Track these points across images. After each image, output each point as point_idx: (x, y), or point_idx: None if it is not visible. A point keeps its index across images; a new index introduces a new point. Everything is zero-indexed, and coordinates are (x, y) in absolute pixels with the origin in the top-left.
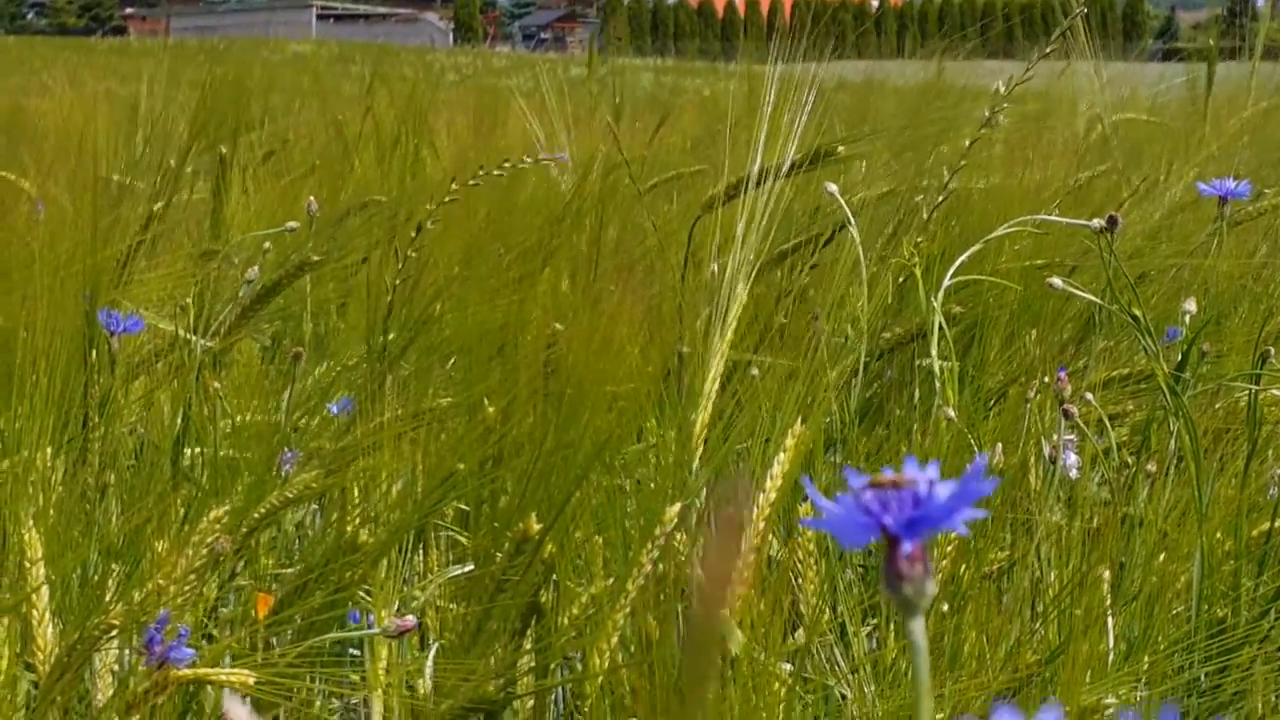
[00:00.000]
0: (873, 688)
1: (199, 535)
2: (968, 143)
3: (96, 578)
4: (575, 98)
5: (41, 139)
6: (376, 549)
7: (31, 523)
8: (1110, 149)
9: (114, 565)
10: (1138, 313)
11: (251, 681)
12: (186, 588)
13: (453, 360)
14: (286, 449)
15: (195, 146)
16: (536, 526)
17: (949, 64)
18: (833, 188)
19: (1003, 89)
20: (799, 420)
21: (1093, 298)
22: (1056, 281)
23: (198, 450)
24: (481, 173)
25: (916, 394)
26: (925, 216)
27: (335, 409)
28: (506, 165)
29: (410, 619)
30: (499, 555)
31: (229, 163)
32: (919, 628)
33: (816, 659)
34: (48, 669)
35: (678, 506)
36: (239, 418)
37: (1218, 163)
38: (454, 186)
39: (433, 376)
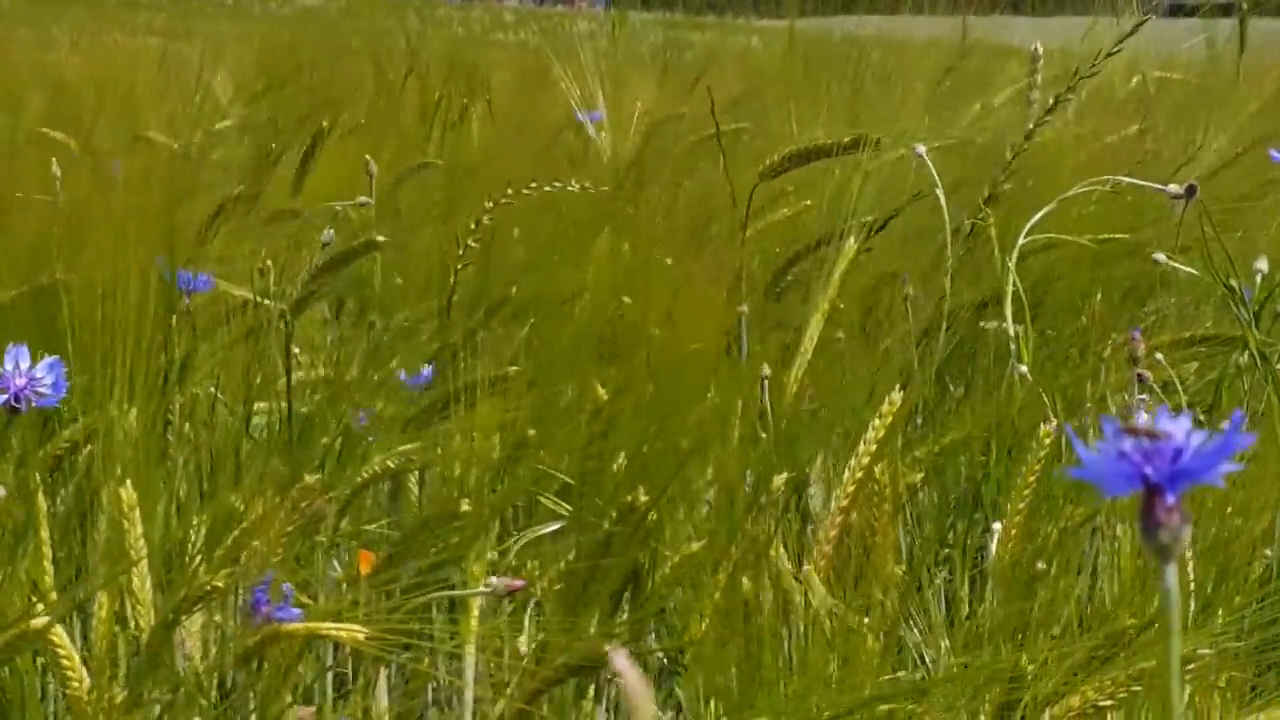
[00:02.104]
0: (947, 642)
1: (293, 498)
2: (1034, 113)
3: (187, 537)
4: (594, 54)
5: (79, 96)
6: (480, 515)
7: (129, 481)
8: (1150, 107)
9: (200, 524)
10: (1234, 283)
11: (362, 637)
12: (280, 549)
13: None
14: (359, 410)
15: (237, 105)
16: (644, 498)
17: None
18: (921, 149)
19: (1039, 49)
20: (897, 389)
21: (1193, 271)
22: (1160, 257)
23: (269, 408)
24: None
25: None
26: (984, 196)
27: (408, 379)
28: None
29: (519, 580)
30: (605, 523)
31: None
32: (1173, 574)
33: (892, 612)
34: (149, 627)
35: (784, 476)
36: (309, 374)
37: (1259, 120)
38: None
39: (511, 345)
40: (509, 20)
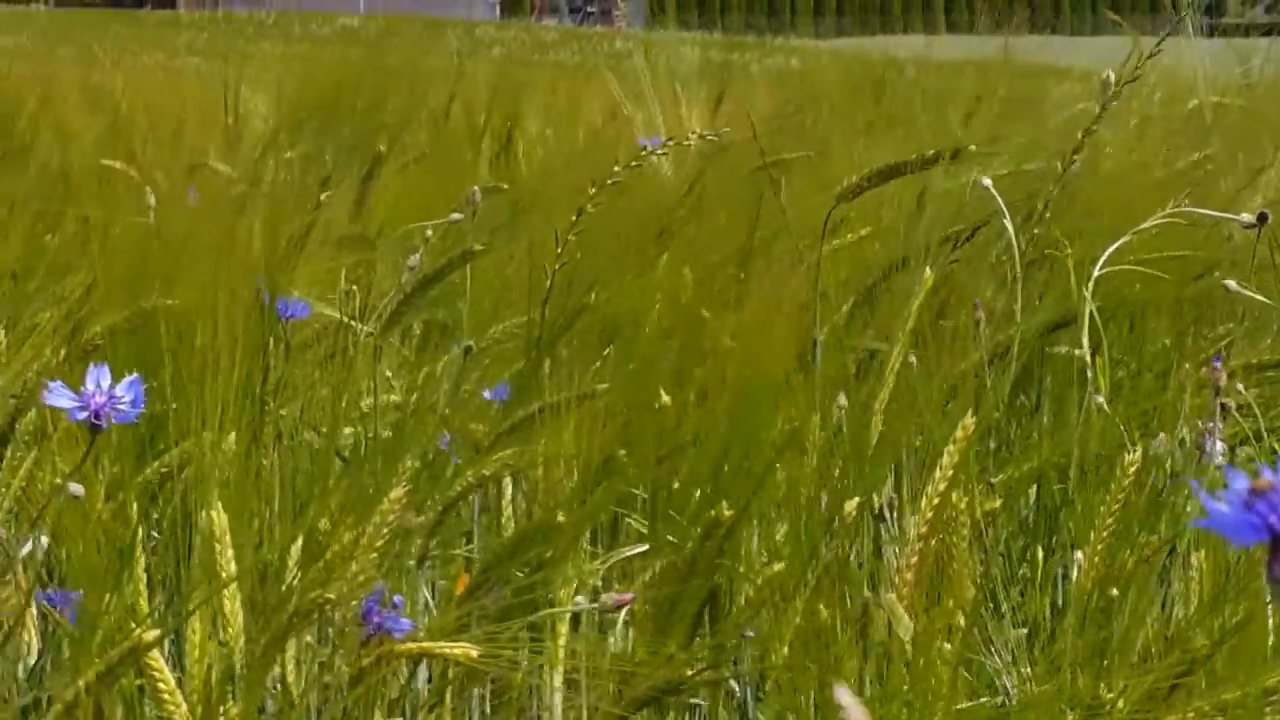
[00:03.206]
0: (1027, 669)
1: (380, 514)
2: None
3: (280, 558)
4: (629, 74)
5: (131, 122)
6: (572, 529)
7: (219, 504)
8: (1208, 132)
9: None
10: None
11: (475, 654)
12: (369, 565)
13: (607, 350)
14: (445, 431)
15: (285, 136)
16: (728, 513)
17: (997, 39)
18: (987, 181)
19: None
20: (969, 412)
21: (1269, 301)
22: (1232, 284)
23: (359, 431)
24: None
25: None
26: (1041, 209)
27: (490, 394)
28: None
29: (627, 594)
30: (690, 541)
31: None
32: None
33: (973, 640)
34: (240, 648)
35: (855, 501)
36: (387, 398)
37: None
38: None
39: (588, 362)
40: (549, 40)
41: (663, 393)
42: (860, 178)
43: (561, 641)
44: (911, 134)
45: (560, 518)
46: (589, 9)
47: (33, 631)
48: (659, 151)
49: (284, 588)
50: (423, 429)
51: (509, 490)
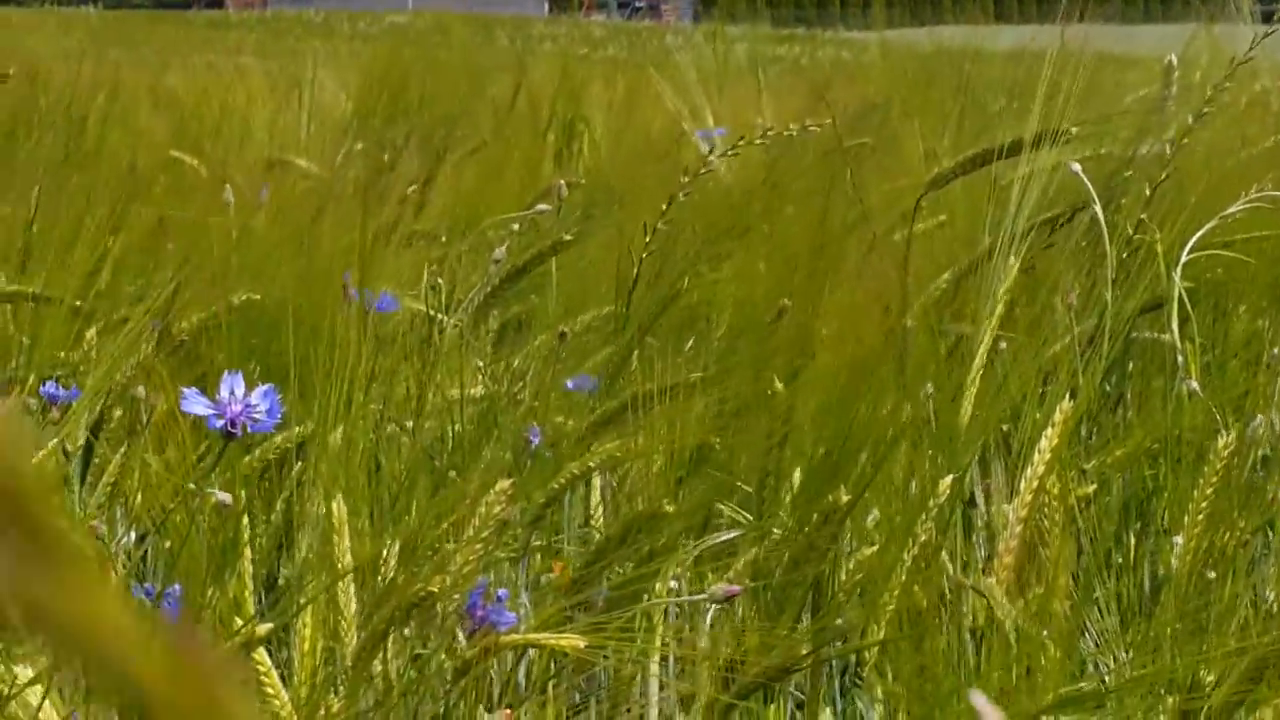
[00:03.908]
0: (1124, 653)
1: (486, 506)
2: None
3: (382, 551)
4: (696, 70)
5: (196, 118)
6: (679, 519)
7: (340, 496)
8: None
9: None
10: None
11: (582, 645)
12: (472, 559)
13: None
14: (533, 424)
15: (353, 130)
16: (846, 498)
17: (1046, 28)
18: (1076, 166)
19: (1174, 60)
20: (1067, 396)
21: None
22: None
23: (448, 423)
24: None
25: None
26: (1149, 192)
27: (573, 384)
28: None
29: (735, 586)
30: (805, 527)
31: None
32: None
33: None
34: (353, 638)
35: (949, 478)
36: (472, 391)
37: None
38: (712, 158)
39: (673, 352)
40: (598, 35)
41: (776, 380)
42: (952, 164)
43: (659, 631)
44: (979, 122)
45: (668, 507)
46: (637, 4)
47: None
48: (746, 142)
49: (385, 581)
50: (512, 421)
51: (597, 482)
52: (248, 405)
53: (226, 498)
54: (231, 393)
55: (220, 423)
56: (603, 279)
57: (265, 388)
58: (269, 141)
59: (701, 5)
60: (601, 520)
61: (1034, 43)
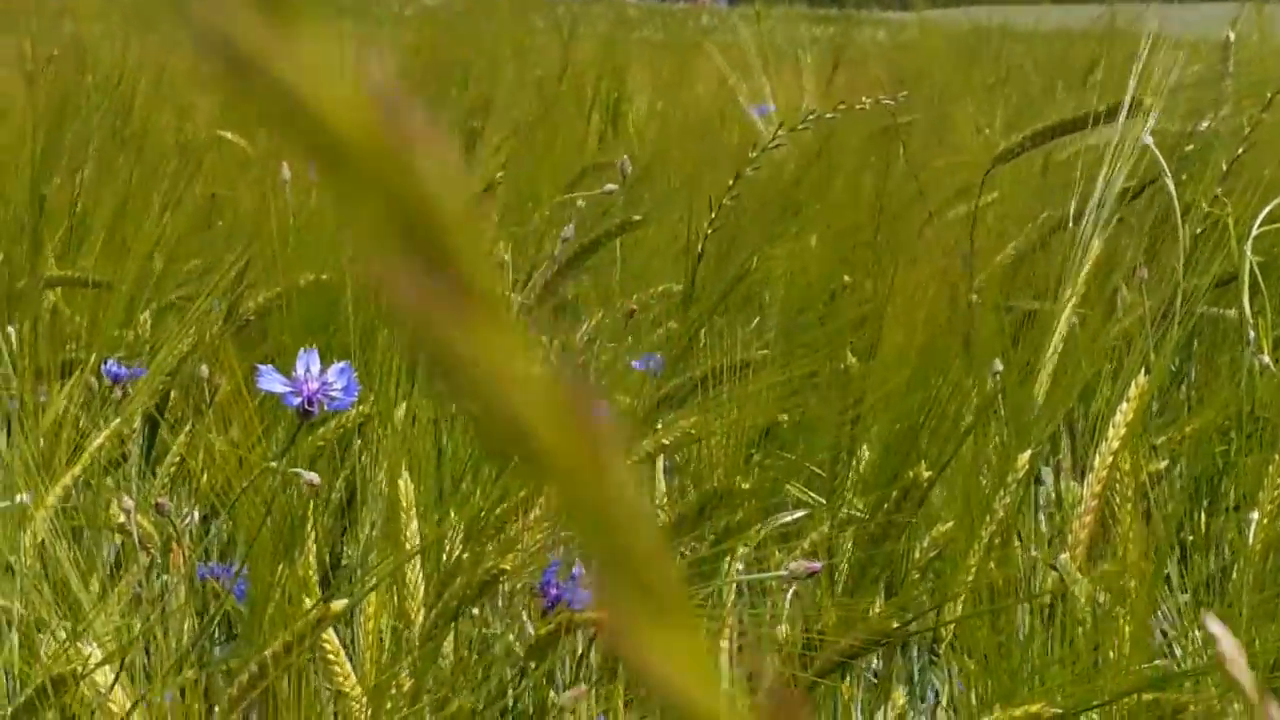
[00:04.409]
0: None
1: None
2: None
3: (447, 529)
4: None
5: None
6: (761, 492)
7: (406, 473)
8: None
9: (474, 514)
10: None
11: None
12: (542, 536)
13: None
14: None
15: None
16: (927, 474)
17: (1088, 8)
18: (1148, 138)
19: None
20: (1142, 372)
21: None
22: None
23: None
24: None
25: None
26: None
27: (638, 364)
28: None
29: (816, 563)
30: (885, 504)
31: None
32: None
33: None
34: (420, 617)
35: (1028, 454)
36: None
37: None
38: (781, 132)
39: (735, 330)
40: (633, 16)
41: (849, 355)
42: (1018, 140)
43: (729, 608)
44: (1029, 101)
45: (744, 485)
46: None
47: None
48: (808, 122)
49: (450, 560)
50: None
51: (659, 462)
52: (324, 383)
53: (314, 478)
54: (307, 370)
55: (297, 401)
56: (658, 257)
57: (341, 365)
58: None
59: None
60: (664, 499)
61: (1076, 23)
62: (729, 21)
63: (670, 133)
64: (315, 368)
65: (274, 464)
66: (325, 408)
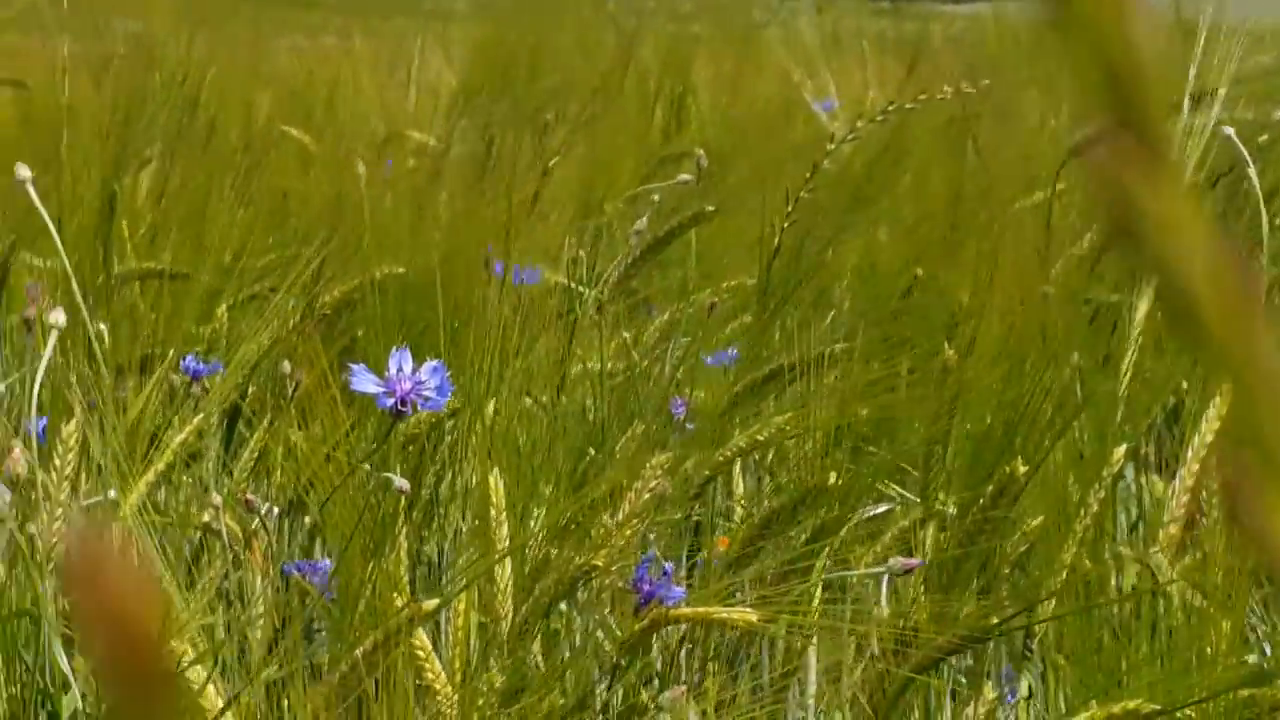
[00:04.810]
0: None
1: (642, 479)
2: None
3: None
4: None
5: (302, 97)
6: (848, 492)
7: (497, 470)
8: None
9: (546, 510)
10: None
11: (755, 619)
12: (632, 533)
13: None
14: (676, 396)
15: (464, 105)
16: (1023, 469)
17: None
18: (1229, 130)
19: None
20: None
21: None
22: None
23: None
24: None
25: None
26: None
27: (712, 359)
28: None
29: (916, 559)
30: (982, 499)
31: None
32: None
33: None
34: (509, 613)
35: (1122, 448)
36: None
37: None
38: (860, 124)
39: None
40: (684, 11)
41: (947, 346)
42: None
43: (817, 603)
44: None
45: (833, 479)
46: None
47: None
48: (880, 117)
49: (536, 556)
50: (656, 394)
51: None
52: (417, 383)
53: (404, 484)
54: (400, 370)
55: (390, 401)
56: (730, 250)
57: (434, 364)
58: (380, 117)
59: None
60: (742, 493)
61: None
62: (779, 15)
63: (735, 127)
64: (408, 367)
65: (366, 466)
66: (418, 408)
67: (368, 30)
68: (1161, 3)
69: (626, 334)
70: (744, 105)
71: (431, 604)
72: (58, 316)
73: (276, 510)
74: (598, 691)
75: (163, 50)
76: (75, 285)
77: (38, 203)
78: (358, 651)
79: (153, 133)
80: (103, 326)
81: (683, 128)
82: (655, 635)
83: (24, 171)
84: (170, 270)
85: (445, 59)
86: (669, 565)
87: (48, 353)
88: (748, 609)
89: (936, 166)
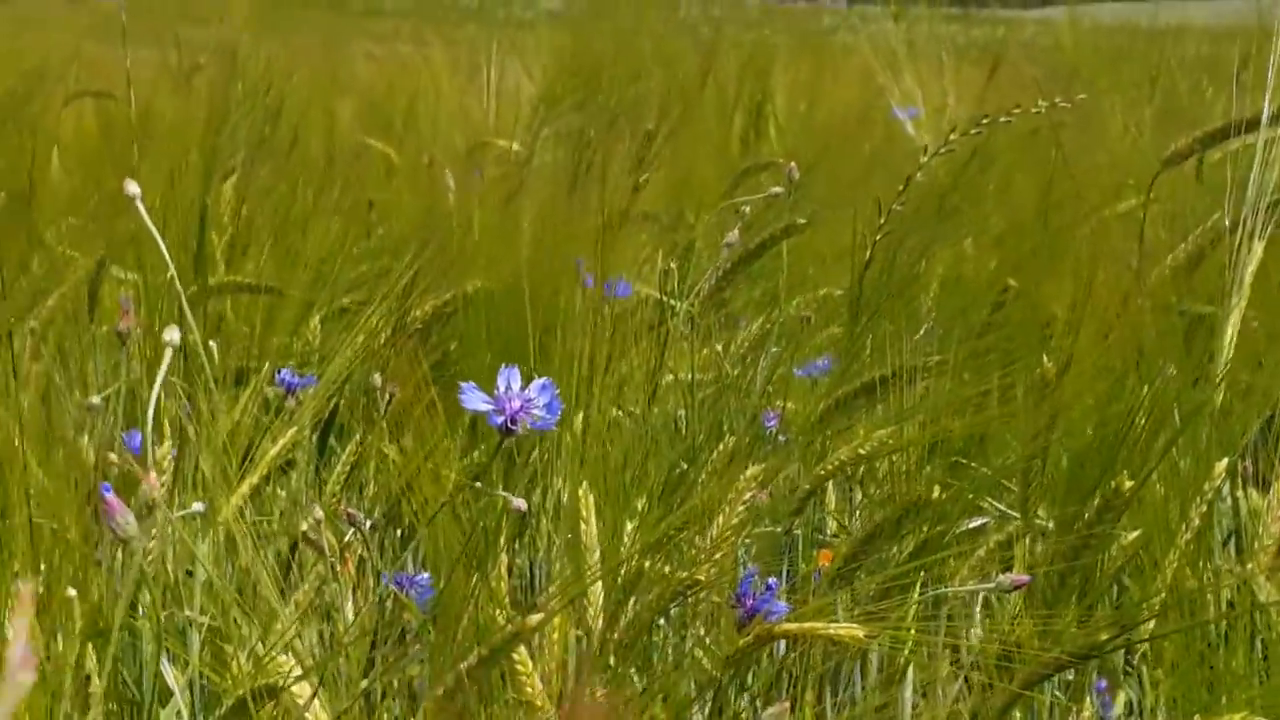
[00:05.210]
0: None
1: (735, 491)
2: None
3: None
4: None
5: (381, 105)
6: (949, 507)
7: (586, 484)
8: None
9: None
10: None
11: (861, 635)
12: (730, 547)
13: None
14: (769, 409)
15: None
16: (1129, 484)
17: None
18: None
19: None
20: None
21: None
22: None
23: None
24: None
25: None
26: None
27: (802, 371)
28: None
29: (1023, 576)
30: (1086, 513)
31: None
32: None
33: None
34: (599, 630)
35: (1224, 462)
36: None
37: None
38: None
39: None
40: (753, 18)
41: (1045, 359)
42: (1188, 141)
43: (911, 618)
44: (1177, 100)
45: (937, 493)
46: None
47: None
48: (975, 130)
49: (630, 570)
50: (747, 405)
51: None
52: (527, 401)
53: (521, 504)
54: (508, 388)
55: (500, 419)
56: (814, 260)
57: (542, 381)
58: (460, 126)
59: None
60: (833, 507)
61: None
62: (849, 21)
63: (815, 134)
64: (516, 385)
65: (470, 481)
66: (528, 426)
67: (440, 37)
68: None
69: (719, 346)
70: (823, 112)
71: (536, 619)
72: (173, 335)
73: (369, 522)
74: (697, 708)
75: (244, 60)
76: (180, 299)
77: (147, 220)
78: (461, 666)
79: (236, 143)
80: (213, 345)
81: (761, 136)
82: (759, 651)
83: (133, 188)
84: (264, 284)
85: (523, 67)
86: (773, 580)
87: (163, 370)
88: (853, 624)
89: (1021, 175)
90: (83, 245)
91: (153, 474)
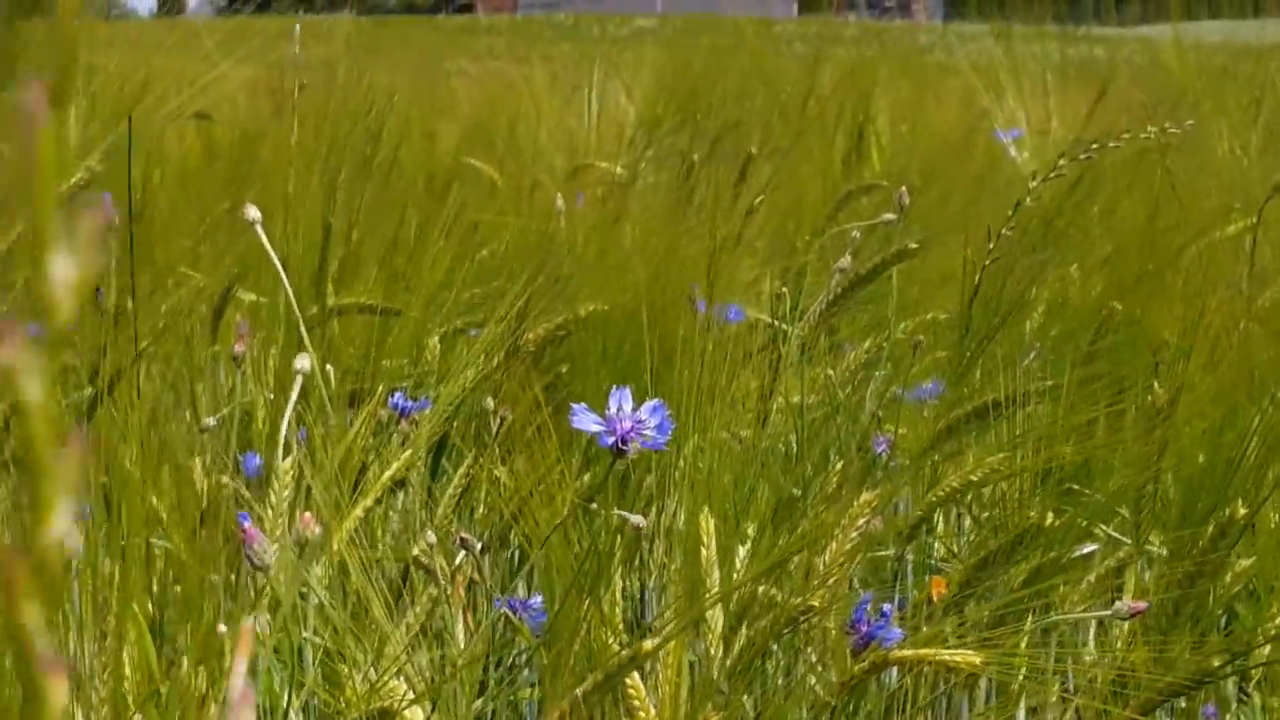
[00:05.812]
0: None
1: (849, 517)
2: None
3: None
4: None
5: (484, 125)
6: (1063, 533)
7: (707, 509)
8: None
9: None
10: None
11: (978, 661)
12: (842, 573)
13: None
14: (878, 434)
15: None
16: (1243, 511)
17: None
18: None
19: None
20: None
21: None
22: None
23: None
24: None
25: None
26: None
27: (911, 396)
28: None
29: (1141, 603)
30: (1200, 540)
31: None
32: None
33: None
34: (719, 654)
35: None
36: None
37: None
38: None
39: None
40: (849, 35)
41: (1156, 384)
42: None
43: (1025, 645)
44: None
45: (1050, 520)
46: (886, 4)
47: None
48: (1084, 155)
49: (745, 595)
50: (856, 430)
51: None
52: (638, 422)
53: (640, 521)
54: (620, 409)
55: (611, 440)
56: (920, 284)
57: (654, 403)
58: (562, 147)
59: (950, 3)
60: (941, 532)
61: None
62: (945, 39)
63: (918, 156)
64: (628, 406)
65: (583, 503)
66: (639, 446)
67: (537, 54)
68: None
69: (831, 370)
70: (925, 134)
71: (651, 644)
72: (303, 363)
73: (480, 545)
74: None
75: (345, 80)
76: (299, 323)
77: (268, 245)
78: (577, 691)
79: (339, 163)
80: (329, 368)
81: (863, 159)
82: (871, 678)
83: (254, 213)
84: (381, 305)
85: (622, 86)
86: (888, 606)
87: (293, 396)
88: (969, 651)
89: (1127, 198)
90: (199, 267)
91: (308, 515)
